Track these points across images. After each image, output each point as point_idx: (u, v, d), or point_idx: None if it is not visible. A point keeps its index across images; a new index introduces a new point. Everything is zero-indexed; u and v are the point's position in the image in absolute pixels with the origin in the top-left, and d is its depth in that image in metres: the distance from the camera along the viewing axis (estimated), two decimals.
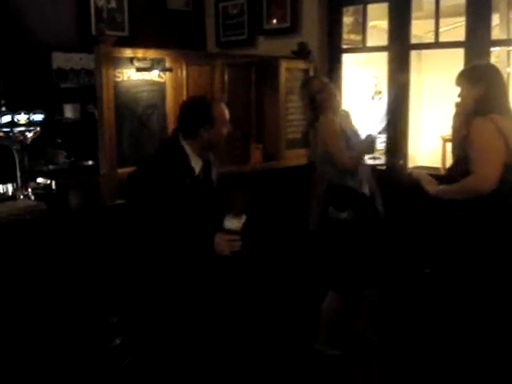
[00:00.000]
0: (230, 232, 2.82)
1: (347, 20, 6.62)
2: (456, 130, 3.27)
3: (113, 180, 4.01)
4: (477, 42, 4.68)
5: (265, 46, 5.84)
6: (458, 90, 3.12)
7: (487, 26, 4.69)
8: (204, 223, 2.89)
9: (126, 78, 4.15)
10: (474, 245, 3.05)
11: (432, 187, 3.16)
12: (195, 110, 2.93)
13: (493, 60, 4.98)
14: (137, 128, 4.24)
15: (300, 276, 4.47)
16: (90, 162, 5.03)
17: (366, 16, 5.56)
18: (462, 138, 3.09)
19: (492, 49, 4.86)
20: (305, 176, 4.63)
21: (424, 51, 6.58)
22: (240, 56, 5.36)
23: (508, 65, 5.63)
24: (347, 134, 3.77)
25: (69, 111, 5.31)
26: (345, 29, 6.41)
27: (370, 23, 6.51)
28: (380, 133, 6.01)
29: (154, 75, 4.29)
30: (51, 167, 4.99)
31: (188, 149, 2.89)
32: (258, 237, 4.22)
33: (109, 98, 4.03)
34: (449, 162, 4.57)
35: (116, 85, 4.08)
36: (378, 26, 6.36)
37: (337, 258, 3.67)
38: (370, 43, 5.95)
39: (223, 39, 6.24)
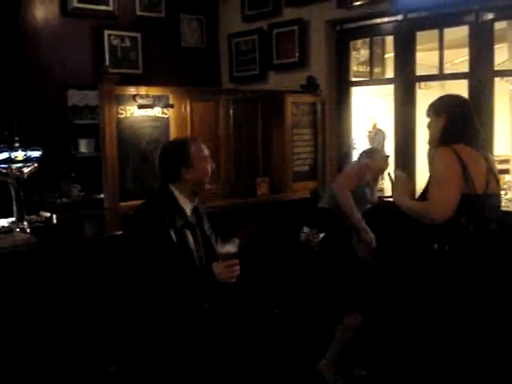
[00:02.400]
0: (228, 257, 2.71)
1: (359, 52, 6.74)
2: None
3: (115, 214, 4.13)
4: (480, 73, 4.70)
5: (275, 81, 5.96)
6: None
7: (490, 57, 4.71)
8: (199, 267, 2.89)
9: (128, 115, 4.30)
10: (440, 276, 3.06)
11: (398, 194, 3.17)
12: (171, 153, 2.94)
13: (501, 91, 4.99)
14: (140, 163, 4.38)
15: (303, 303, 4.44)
16: (102, 196, 5.16)
17: (373, 49, 5.63)
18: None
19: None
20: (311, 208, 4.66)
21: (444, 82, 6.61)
22: (246, 91, 5.49)
23: None
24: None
25: (83, 146, 5.48)
26: (359, 61, 6.51)
27: (387, 55, 6.60)
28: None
29: (157, 111, 4.43)
30: (64, 200, 5.15)
31: (176, 192, 2.90)
32: (264, 267, 4.29)
33: (112, 134, 4.19)
34: None
35: (119, 121, 4.24)
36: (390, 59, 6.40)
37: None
38: (388, 75, 6.04)
39: (236, 75, 6.38)
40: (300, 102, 5.39)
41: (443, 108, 3.07)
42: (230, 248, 2.70)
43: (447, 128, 3.01)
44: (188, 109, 4.64)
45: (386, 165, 4.16)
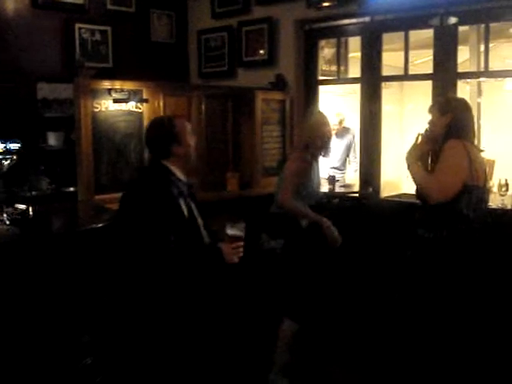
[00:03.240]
0: (234, 238, 2.93)
1: (328, 52, 6.88)
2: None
3: (90, 206, 4.18)
4: (444, 74, 4.89)
5: (244, 78, 6.07)
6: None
7: (454, 59, 4.91)
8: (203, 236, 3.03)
9: (103, 109, 4.34)
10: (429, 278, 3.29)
11: (413, 157, 3.35)
12: (161, 131, 3.03)
13: (461, 91, 5.19)
14: (114, 156, 4.44)
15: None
16: (72, 189, 5.17)
17: (341, 49, 5.79)
18: (424, 154, 3.38)
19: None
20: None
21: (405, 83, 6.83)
22: (217, 87, 5.58)
23: (479, 95, 5.82)
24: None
25: (52, 139, 5.47)
26: (325, 60, 6.65)
27: (350, 54, 6.76)
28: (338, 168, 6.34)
29: (132, 106, 4.48)
30: (34, 193, 5.13)
31: (172, 167, 3.00)
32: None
33: (87, 128, 4.22)
34: None
35: (94, 115, 4.28)
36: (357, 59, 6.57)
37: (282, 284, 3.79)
38: (351, 74, 6.21)
39: (205, 70, 6.46)
40: (270, 99, 5.51)
41: (449, 108, 3.33)
42: (237, 231, 2.93)
43: (452, 126, 3.28)
44: (161, 103, 4.71)
45: (324, 126, 3.93)
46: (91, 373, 3.51)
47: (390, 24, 5.20)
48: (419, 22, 5.00)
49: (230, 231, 2.93)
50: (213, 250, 2.92)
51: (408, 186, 5.39)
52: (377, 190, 5.28)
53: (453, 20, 4.79)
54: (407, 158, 3.36)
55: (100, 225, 3.43)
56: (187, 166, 3.12)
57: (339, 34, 5.68)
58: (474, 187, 3.17)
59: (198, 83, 6.44)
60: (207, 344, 3.00)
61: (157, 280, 2.84)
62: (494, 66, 4.98)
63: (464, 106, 3.41)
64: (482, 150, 3.49)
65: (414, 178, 3.35)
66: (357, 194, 5.31)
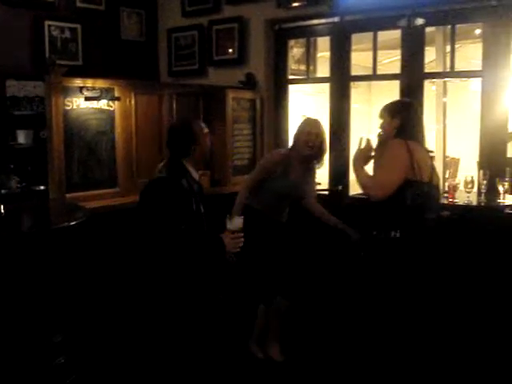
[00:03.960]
0: (235, 230, 3.18)
1: (298, 51, 6.95)
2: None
3: (62, 205, 4.17)
4: (411, 74, 5.00)
5: (215, 77, 6.10)
6: None
7: (421, 60, 5.02)
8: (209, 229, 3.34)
9: (75, 107, 4.33)
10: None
11: (360, 161, 3.47)
12: (182, 133, 3.33)
13: (428, 91, 5.31)
14: (85, 154, 4.43)
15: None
16: (42, 187, 5.14)
17: (310, 49, 5.86)
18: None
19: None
20: None
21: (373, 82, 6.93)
22: (188, 86, 5.60)
23: (444, 95, 5.96)
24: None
25: (22, 137, 5.42)
26: (294, 59, 6.73)
27: (319, 54, 6.84)
28: None
29: (103, 104, 4.48)
30: (3, 191, 5.09)
31: (188, 166, 3.31)
32: None
33: (58, 126, 4.21)
34: None
35: (65, 113, 4.27)
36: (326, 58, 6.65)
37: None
38: (319, 74, 6.29)
39: (175, 69, 6.47)
40: (240, 98, 5.56)
41: (398, 111, 3.47)
42: (237, 223, 3.19)
43: (401, 128, 3.40)
44: (133, 102, 4.73)
45: (302, 134, 4.03)
46: (64, 372, 3.52)
47: (359, 24, 5.28)
48: (387, 23, 5.10)
49: (230, 225, 3.17)
50: (215, 239, 3.18)
51: None
52: (346, 188, 5.37)
53: (420, 21, 4.88)
54: (354, 164, 3.48)
55: (73, 223, 3.43)
56: (199, 165, 3.50)
57: (309, 34, 5.75)
58: (417, 182, 3.28)
59: (168, 82, 6.44)
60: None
61: (167, 260, 3.16)
62: (459, 66, 5.10)
63: (412, 108, 3.53)
64: (430, 151, 3.57)
65: (357, 180, 3.49)
66: (327, 192, 5.38)
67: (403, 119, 3.41)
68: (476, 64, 4.97)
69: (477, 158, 4.81)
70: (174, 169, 3.26)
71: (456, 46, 5.04)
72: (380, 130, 3.54)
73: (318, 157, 4.09)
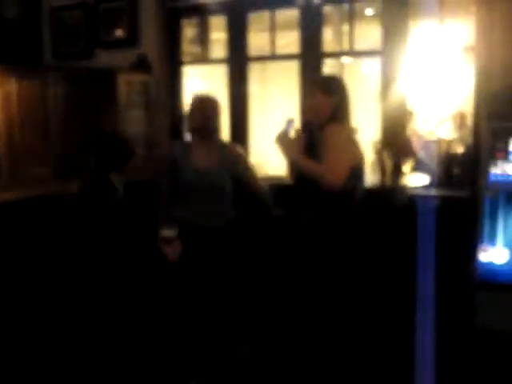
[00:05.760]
0: (169, 240, 3.19)
1: (191, 31, 6.65)
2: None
3: None
4: (310, 54, 4.88)
5: (104, 58, 5.68)
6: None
7: (319, 39, 4.90)
8: None
9: None
10: (319, 246, 3.21)
11: (294, 151, 3.13)
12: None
13: (326, 71, 5.20)
14: None
15: None
16: None
17: (206, 28, 5.60)
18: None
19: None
20: None
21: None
22: (75, 69, 5.21)
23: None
24: None
25: None
26: (189, 40, 6.44)
27: (215, 35, 6.58)
28: None
29: None
30: None
31: None
32: None
33: None
34: None
35: None
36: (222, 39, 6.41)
37: None
38: (214, 56, 6.02)
39: (60, 50, 6.00)
40: (133, 81, 5.22)
41: (335, 88, 3.18)
42: (170, 233, 3.18)
43: (338, 108, 3.15)
44: (14, 88, 4.32)
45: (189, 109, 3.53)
46: None
47: (255, 3, 5.09)
48: (285, 2, 4.96)
49: (164, 233, 3.17)
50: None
51: (273, 168, 5.38)
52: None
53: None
54: (289, 155, 3.15)
55: None
56: None
57: (203, 13, 5.48)
58: (360, 169, 3.19)
59: (53, 65, 5.97)
60: None
61: None
62: (358, 46, 5.01)
63: (345, 85, 3.26)
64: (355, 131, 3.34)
65: (303, 171, 3.11)
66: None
67: (341, 97, 3.16)
68: (375, 43, 4.89)
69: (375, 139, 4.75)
70: None
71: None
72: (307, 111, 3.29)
73: (210, 126, 3.46)
